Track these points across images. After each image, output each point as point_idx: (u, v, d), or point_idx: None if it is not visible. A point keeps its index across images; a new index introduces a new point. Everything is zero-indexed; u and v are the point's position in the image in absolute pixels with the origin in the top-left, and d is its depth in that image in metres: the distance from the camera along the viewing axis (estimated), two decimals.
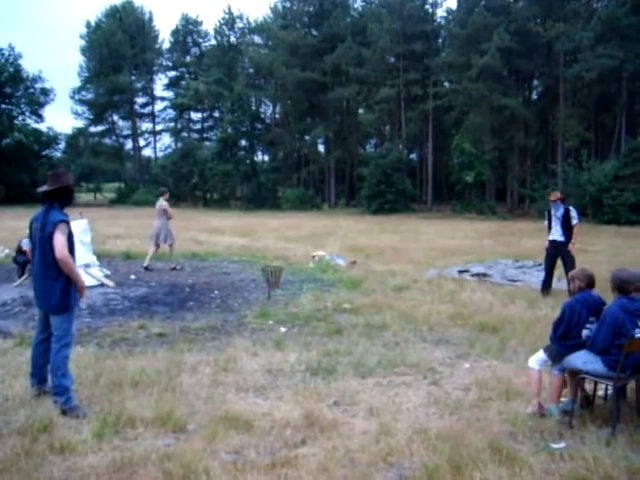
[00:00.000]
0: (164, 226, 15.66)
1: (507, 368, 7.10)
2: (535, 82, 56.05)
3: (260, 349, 7.87)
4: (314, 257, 17.01)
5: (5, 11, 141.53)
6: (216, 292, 12.41)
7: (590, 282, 5.81)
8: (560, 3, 45.40)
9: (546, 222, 12.35)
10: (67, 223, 5.75)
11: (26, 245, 12.41)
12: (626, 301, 5.46)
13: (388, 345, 8.23)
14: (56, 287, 5.67)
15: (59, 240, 5.58)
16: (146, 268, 15.27)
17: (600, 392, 6.12)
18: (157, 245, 15.73)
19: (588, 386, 6.04)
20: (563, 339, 5.68)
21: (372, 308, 10.51)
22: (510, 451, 4.77)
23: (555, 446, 4.98)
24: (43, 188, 5.88)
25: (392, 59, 56.07)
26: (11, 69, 60.90)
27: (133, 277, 14.13)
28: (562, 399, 5.83)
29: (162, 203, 15.74)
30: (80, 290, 5.83)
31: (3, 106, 61.63)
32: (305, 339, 8.53)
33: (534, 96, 57.46)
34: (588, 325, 5.65)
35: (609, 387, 5.80)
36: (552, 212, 12.12)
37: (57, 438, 4.96)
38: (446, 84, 54.80)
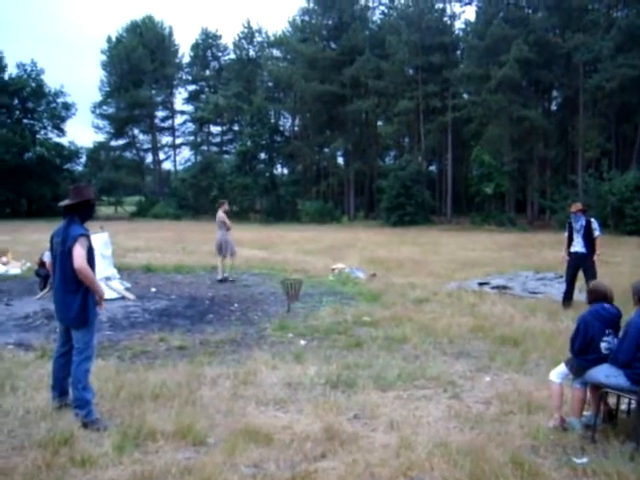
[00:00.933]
0: (224, 237, 15.73)
1: (528, 381, 7.04)
2: (554, 93, 55.70)
3: (280, 362, 7.87)
4: (334, 270, 17.00)
5: (28, 27, 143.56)
6: (236, 305, 12.44)
7: (602, 295, 5.76)
8: (579, 13, 45.27)
9: (566, 234, 12.27)
10: (87, 237, 5.80)
11: (47, 258, 12.52)
12: None
13: (408, 358, 8.20)
14: (76, 301, 5.71)
15: (78, 252, 5.62)
16: (222, 280, 15.56)
17: (623, 406, 6.05)
18: (223, 256, 15.82)
19: (611, 400, 5.97)
20: (583, 353, 5.62)
21: (392, 321, 10.48)
22: (532, 466, 4.73)
23: (578, 461, 4.92)
24: (64, 202, 5.94)
25: (411, 71, 56.09)
26: (33, 84, 61.72)
27: (154, 290, 14.20)
28: (585, 413, 5.77)
29: (220, 215, 15.91)
30: (99, 300, 5.87)
31: (25, 121, 62.46)
32: (325, 352, 8.52)
33: (554, 107, 57.13)
34: (605, 338, 5.59)
35: (632, 401, 5.73)
36: (572, 224, 12.05)
37: (78, 451, 4.98)
38: (465, 96, 54.69)
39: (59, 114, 64.32)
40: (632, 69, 39.77)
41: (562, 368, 5.80)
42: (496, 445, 5.13)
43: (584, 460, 4.93)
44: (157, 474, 4.59)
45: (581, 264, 11.78)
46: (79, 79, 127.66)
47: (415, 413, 6.05)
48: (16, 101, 61.48)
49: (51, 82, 77.08)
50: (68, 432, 5.31)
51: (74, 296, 5.72)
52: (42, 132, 64.09)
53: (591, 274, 11.29)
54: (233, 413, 5.97)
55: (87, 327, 5.80)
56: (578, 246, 11.87)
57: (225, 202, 16.78)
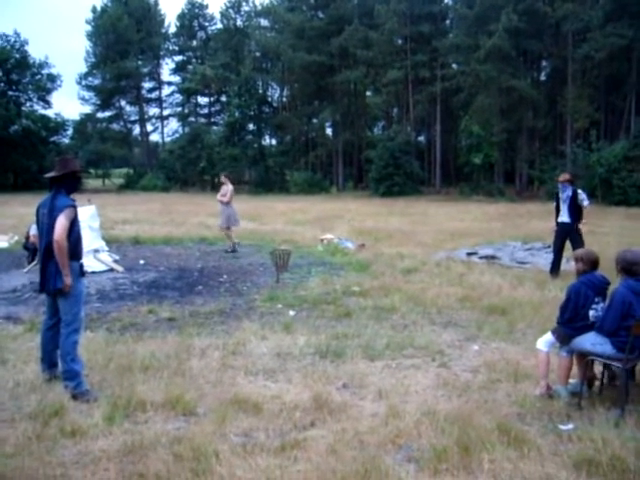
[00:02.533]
0: (225, 210, 15.99)
1: (515, 350, 7.11)
2: (544, 63, 55.51)
3: (269, 332, 7.90)
4: (322, 240, 17.02)
5: None
6: (225, 276, 12.44)
7: (594, 264, 5.80)
8: None
9: (554, 204, 12.32)
10: (74, 208, 5.77)
11: (33, 231, 12.46)
12: (633, 282, 5.43)
13: (397, 328, 8.24)
14: (59, 270, 5.68)
15: (61, 223, 5.59)
16: (233, 250, 15.72)
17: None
18: (227, 227, 15.99)
19: (597, 369, 6.04)
20: (570, 321, 5.68)
21: (381, 291, 10.52)
22: (518, 433, 4.79)
23: (563, 427, 4.99)
24: (50, 174, 5.89)
25: (399, 41, 55.78)
26: (17, 55, 60.82)
27: (142, 262, 14.17)
28: (570, 381, 5.83)
29: (231, 187, 16.13)
30: (66, 279, 5.67)
31: (10, 93, 61.63)
32: (314, 322, 8.55)
33: (542, 77, 56.91)
34: (594, 306, 5.65)
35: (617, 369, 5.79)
36: (559, 194, 12.09)
37: (68, 422, 5.00)
38: (454, 66, 54.45)
39: (44, 86, 63.49)
40: (621, 38, 39.67)
41: (549, 337, 5.85)
42: (483, 413, 5.19)
43: (570, 427, 5.00)
44: (147, 444, 4.62)
45: (568, 234, 11.84)
46: (64, 50, 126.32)
47: (403, 382, 6.10)
48: (0, 73, 60.64)
49: (36, 53, 76.40)
50: (58, 404, 5.33)
51: (56, 266, 5.69)
52: (27, 104, 63.32)
53: (578, 244, 11.33)
54: (222, 383, 6.00)
55: (74, 298, 5.79)
56: (564, 216, 11.92)
57: (226, 174, 16.83)
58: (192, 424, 5.08)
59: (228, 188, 15.99)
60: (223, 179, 16.50)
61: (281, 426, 5.02)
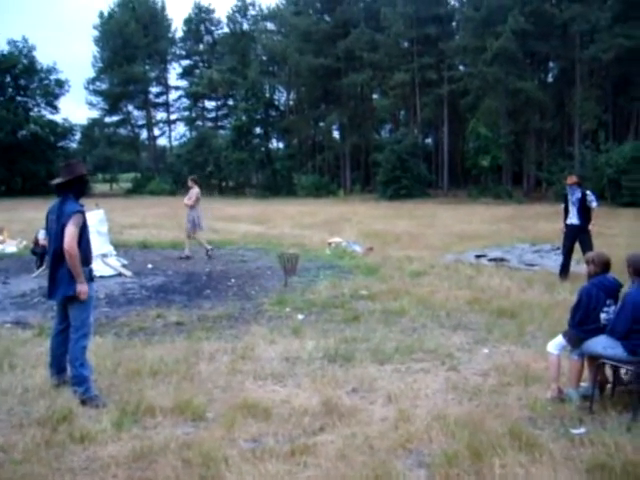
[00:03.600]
0: (190, 214, 15.76)
1: (526, 353, 7.07)
2: (551, 64, 55.35)
3: (278, 337, 7.88)
4: (330, 244, 16.99)
5: (18, 4, 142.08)
6: (233, 280, 12.43)
7: (606, 266, 5.75)
8: None
9: (563, 206, 12.29)
10: (82, 213, 5.76)
11: (42, 236, 12.48)
12: None
13: (406, 331, 8.21)
14: (66, 276, 5.67)
15: (70, 231, 5.58)
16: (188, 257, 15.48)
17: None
18: (192, 232, 15.82)
19: (608, 372, 5.99)
20: (581, 324, 5.63)
21: (389, 294, 10.48)
22: (530, 437, 4.75)
23: (575, 431, 4.94)
24: (57, 180, 5.89)
25: (406, 44, 55.67)
26: (25, 61, 61.03)
27: (150, 266, 14.18)
28: (582, 384, 5.79)
29: (198, 191, 15.87)
30: (80, 287, 5.66)
31: (18, 98, 61.89)
32: (322, 326, 8.53)
33: (550, 79, 56.75)
34: (605, 308, 5.60)
35: (629, 372, 5.74)
36: (568, 196, 12.05)
37: (77, 428, 4.99)
38: (461, 68, 54.32)
39: (52, 91, 63.71)
40: (629, 39, 39.48)
41: (559, 339, 5.80)
42: (494, 417, 5.15)
43: (582, 431, 4.95)
44: (156, 449, 4.60)
45: (577, 236, 11.80)
46: (72, 55, 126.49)
47: (413, 386, 6.07)
48: (8, 78, 60.76)
49: (43, 59, 76.39)
50: (67, 409, 5.32)
51: (65, 272, 5.68)
52: (35, 109, 63.48)
53: (587, 246, 11.28)
54: (231, 388, 5.99)
55: (83, 304, 5.78)
56: (573, 218, 11.88)
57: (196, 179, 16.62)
58: (201, 429, 5.07)
59: (194, 191, 15.76)
60: (190, 183, 16.20)
61: (290, 431, 5.00)
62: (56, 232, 5.71)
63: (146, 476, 4.26)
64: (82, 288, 5.67)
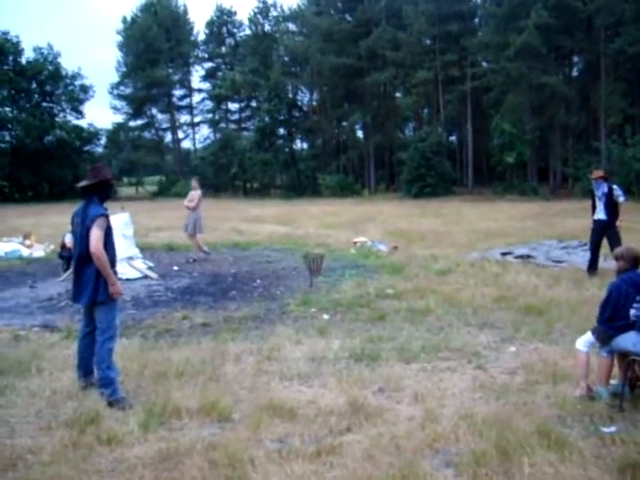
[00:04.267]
0: (191, 215, 15.67)
1: (554, 351, 6.98)
2: (575, 58, 54.69)
3: (303, 337, 7.87)
4: (355, 243, 16.97)
5: (43, 10, 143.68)
6: (258, 281, 12.46)
7: (635, 261, 5.67)
8: None
9: (591, 201, 12.15)
10: (106, 217, 5.80)
11: (68, 239, 12.59)
12: None
13: (432, 330, 8.16)
14: (91, 280, 5.72)
15: (95, 234, 5.62)
16: (194, 260, 15.43)
17: None
18: (193, 234, 15.74)
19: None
20: (611, 320, 5.54)
21: (415, 293, 10.43)
22: (559, 435, 4.69)
23: (605, 430, 4.87)
24: (83, 183, 5.94)
25: (428, 41, 55.41)
26: (51, 67, 61.66)
27: (176, 268, 14.26)
28: (612, 381, 5.70)
29: (199, 193, 15.76)
30: (112, 289, 5.76)
31: (44, 104, 62.56)
32: (348, 326, 8.51)
33: (574, 73, 56.10)
34: (635, 304, 5.50)
35: None
36: (594, 191, 11.92)
37: (104, 430, 5.02)
38: (484, 64, 53.89)
39: (77, 96, 64.32)
40: None
41: (588, 336, 5.72)
42: (522, 415, 5.10)
43: (612, 429, 4.88)
44: (182, 451, 4.62)
45: (604, 231, 11.66)
46: (96, 61, 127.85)
47: (440, 385, 6.03)
48: (34, 85, 61.50)
49: (68, 65, 77.17)
50: (94, 411, 5.36)
51: (90, 276, 5.72)
52: (61, 115, 64.10)
53: (615, 241, 11.14)
54: (257, 389, 5.99)
55: (108, 306, 5.81)
56: (601, 213, 11.74)
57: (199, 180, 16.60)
58: (227, 430, 5.07)
59: (196, 193, 15.69)
60: (195, 184, 16.08)
61: (316, 431, 4.98)
62: (81, 235, 5.76)
63: (172, 477, 4.28)
64: (114, 289, 5.76)
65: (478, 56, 52.68)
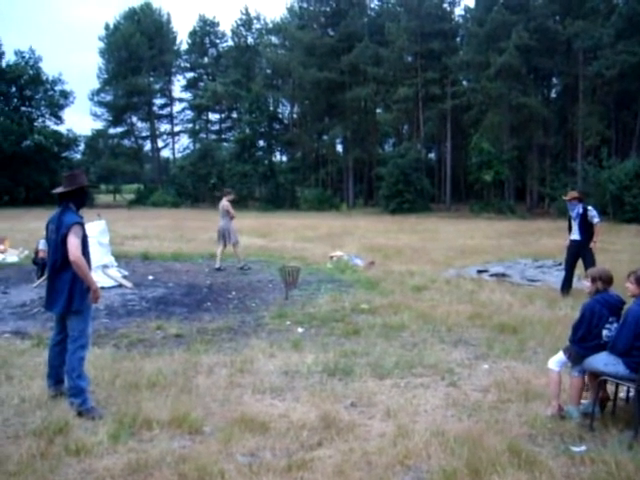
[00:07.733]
0: (227, 226, 15.70)
1: (526, 369, 7.02)
2: (554, 80, 55.53)
3: (277, 350, 7.84)
4: (332, 257, 16.97)
5: (25, 14, 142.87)
6: (234, 293, 12.40)
7: (609, 283, 5.72)
8: (579, 0, 44.99)
9: (567, 221, 12.27)
10: (81, 225, 5.74)
11: (42, 246, 12.49)
12: None
13: (406, 346, 8.17)
14: (65, 288, 5.67)
15: (73, 242, 5.57)
16: (218, 269, 15.43)
17: (622, 394, 6.02)
18: (224, 245, 15.80)
19: (609, 388, 5.94)
20: (583, 340, 5.59)
21: (390, 308, 10.44)
22: (529, 454, 4.70)
23: (575, 449, 4.90)
24: (59, 190, 5.89)
25: (410, 58, 55.96)
26: (31, 72, 61.42)
27: (151, 278, 14.16)
28: (582, 401, 5.74)
29: (225, 203, 15.81)
30: (93, 294, 5.77)
31: (23, 109, 62.22)
32: (322, 340, 8.49)
33: (553, 94, 57.00)
34: (608, 325, 5.55)
35: (631, 389, 5.70)
36: (569, 212, 12.05)
37: (73, 440, 4.95)
38: (464, 83, 54.59)
39: (57, 102, 64.06)
40: (632, 56, 39.68)
41: (560, 356, 5.77)
42: (494, 433, 5.10)
43: (582, 448, 4.91)
44: (152, 463, 4.56)
45: (579, 252, 11.76)
46: (77, 67, 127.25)
47: (412, 401, 6.03)
48: (14, 89, 61.20)
49: (49, 70, 76.94)
50: (63, 421, 5.29)
51: (65, 284, 5.67)
52: (40, 120, 63.87)
53: (590, 262, 11.24)
54: (229, 401, 5.95)
55: (81, 315, 5.76)
56: (575, 234, 11.85)
57: (231, 191, 16.73)
58: (198, 443, 5.03)
59: (228, 203, 15.87)
60: (229, 196, 16.26)
61: (288, 446, 4.95)
62: (56, 242, 5.70)
63: None
64: (95, 295, 5.76)
65: (459, 75, 53.38)
